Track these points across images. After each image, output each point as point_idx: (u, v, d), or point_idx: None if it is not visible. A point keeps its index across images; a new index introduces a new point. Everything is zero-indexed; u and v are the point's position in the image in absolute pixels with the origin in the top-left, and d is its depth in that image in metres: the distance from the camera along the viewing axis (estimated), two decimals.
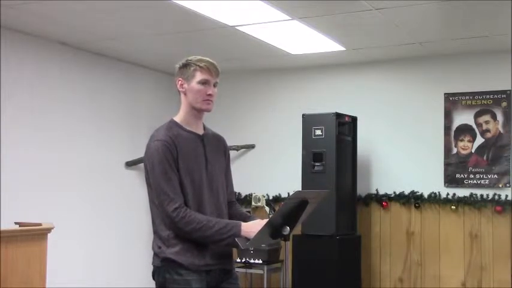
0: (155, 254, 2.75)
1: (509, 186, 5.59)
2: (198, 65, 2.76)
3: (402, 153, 6.04)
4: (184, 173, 2.70)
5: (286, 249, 2.81)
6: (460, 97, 5.84)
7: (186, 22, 4.88)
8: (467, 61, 5.83)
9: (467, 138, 5.79)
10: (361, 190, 6.07)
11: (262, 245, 5.61)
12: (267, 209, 6.01)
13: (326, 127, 5.63)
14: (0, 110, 4.96)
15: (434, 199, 5.85)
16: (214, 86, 2.81)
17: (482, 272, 5.63)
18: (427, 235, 5.89)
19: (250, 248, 2.65)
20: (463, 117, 5.82)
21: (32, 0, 4.36)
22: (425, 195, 5.88)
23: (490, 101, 5.73)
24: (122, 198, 6.17)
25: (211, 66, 2.79)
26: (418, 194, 5.92)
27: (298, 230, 5.42)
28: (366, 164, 6.14)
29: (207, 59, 2.81)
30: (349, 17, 4.68)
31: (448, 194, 5.80)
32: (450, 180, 5.82)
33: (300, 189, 5.65)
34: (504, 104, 5.68)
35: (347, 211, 5.77)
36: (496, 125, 5.71)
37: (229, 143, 3.06)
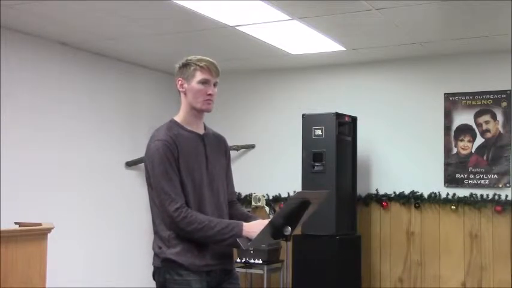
0: (155, 255, 2.74)
1: (509, 186, 5.59)
2: (198, 65, 2.75)
3: (402, 153, 6.04)
4: (185, 172, 2.69)
5: (287, 249, 2.81)
6: (460, 97, 5.84)
7: (186, 22, 4.87)
8: (467, 61, 5.83)
9: (467, 138, 5.79)
10: (361, 190, 6.07)
11: (263, 245, 5.61)
12: (267, 209, 6.01)
13: (326, 127, 5.63)
14: (0, 110, 4.96)
15: (434, 199, 5.85)
16: (215, 85, 2.80)
17: (482, 272, 5.63)
18: (427, 235, 5.89)
19: (250, 248, 2.65)
20: (463, 117, 5.82)
21: (32, 0, 4.36)
22: (425, 195, 5.88)
23: (490, 101, 5.73)
24: (122, 198, 6.17)
25: (212, 65, 2.78)
26: (418, 194, 5.92)
27: (298, 230, 5.42)
28: (366, 164, 6.14)
29: (207, 58, 2.80)
30: (349, 17, 4.68)
31: (448, 194, 5.80)
32: (450, 180, 5.82)
33: (300, 189, 5.66)
34: (504, 104, 5.68)
35: (347, 211, 5.77)
36: (496, 125, 5.71)
37: (229, 143, 3.05)
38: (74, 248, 5.51)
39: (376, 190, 6.10)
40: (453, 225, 5.79)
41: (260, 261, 5.82)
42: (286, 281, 2.92)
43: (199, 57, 2.79)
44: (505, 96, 5.68)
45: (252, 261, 5.85)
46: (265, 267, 5.83)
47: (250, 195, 6.45)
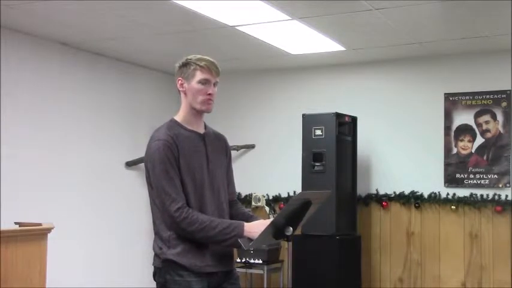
0: (156, 255, 2.73)
1: (509, 186, 5.59)
2: (198, 64, 2.74)
3: (402, 153, 6.03)
4: (185, 172, 2.68)
5: (288, 250, 2.81)
6: (460, 97, 5.84)
7: (186, 22, 4.87)
8: (467, 61, 5.83)
9: (467, 138, 5.79)
10: (361, 190, 6.07)
11: (263, 246, 5.61)
12: (267, 209, 6.02)
13: (326, 127, 5.63)
14: (0, 110, 4.96)
15: (434, 199, 5.85)
16: (215, 85, 2.78)
17: (482, 272, 5.63)
18: (427, 235, 5.89)
19: (251, 249, 2.65)
20: (463, 117, 5.82)
21: (32, 0, 4.36)
22: (425, 195, 5.88)
23: (490, 101, 5.73)
24: (122, 198, 6.17)
25: (212, 65, 2.76)
26: (418, 194, 5.91)
27: (298, 230, 5.42)
28: (366, 164, 6.14)
29: (207, 58, 2.78)
30: (349, 17, 4.68)
31: (448, 194, 5.80)
32: (450, 180, 5.82)
33: (300, 189, 5.66)
34: (504, 104, 5.68)
35: (347, 211, 5.77)
36: (496, 125, 5.71)
37: (229, 143, 3.05)
38: (74, 248, 5.50)
39: (376, 190, 6.10)
40: (453, 225, 5.79)
41: (260, 261, 5.82)
42: (286, 281, 2.91)
43: (199, 56, 2.77)
44: (505, 96, 5.68)
45: (252, 261, 5.85)
46: (265, 267, 5.83)
47: (250, 195, 6.45)
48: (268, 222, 2.62)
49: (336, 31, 5.11)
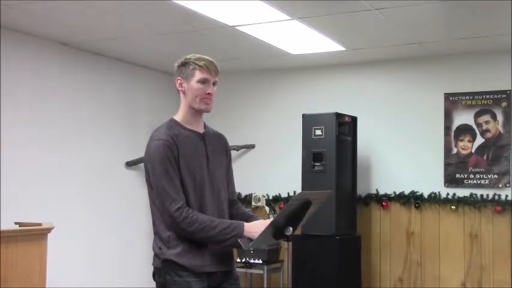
0: (156, 255, 2.73)
1: (509, 186, 5.59)
2: (197, 64, 2.73)
3: (402, 153, 6.04)
4: (185, 172, 2.68)
5: (288, 250, 2.81)
6: (460, 97, 5.84)
7: (186, 22, 4.87)
8: (467, 61, 5.83)
9: (467, 138, 5.79)
10: (361, 190, 6.07)
11: (263, 246, 5.61)
12: (267, 209, 6.03)
13: (326, 127, 5.64)
14: (0, 110, 4.96)
15: (434, 199, 5.85)
16: (214, 85, 2.78)
17: (482, 272, 5.63)
18: (427, 235, 5.89)
19: (251, 249, 2.64)
20: (463, 117, 5.82)
21: (32, 0, 4.36)
22: (425, 195, 5.88)
23: (490, 101, 5.73)
24: (122, 198, 6.17)
25: (211, 65, 2.75)
26: (418, 194, 5.91)
27: (298, 230, 5.42)
28: (366, 164, 6.14)
29: (206, 57, 2.77)
30: (349, 17, 4.68)
31: (448, 194, 5.80)
32: (450, 180, 5.82)
33: (300, 189, 5.66)
34: (504, 104, 5.68)
35: (347, 211, 5.77)
36: (496, 125, 5.71)
37: (229, 143, 3.04)
38: (74, 248, 5.51)
39: (376, 190, 6.10)
40: (453, 225, 5.79)
41: (260, 261, 5.82)
42: (286, 281, 2.91)
43: (198, 56, 2.76)
44: (505, 96, 5.68)
45: (252, 261, 5.85)
46: (265, 267, 5.83)
47: (250, 195, 6.45)
48: (268, 222, 2.62)
49: (336, 31, 5.11)
